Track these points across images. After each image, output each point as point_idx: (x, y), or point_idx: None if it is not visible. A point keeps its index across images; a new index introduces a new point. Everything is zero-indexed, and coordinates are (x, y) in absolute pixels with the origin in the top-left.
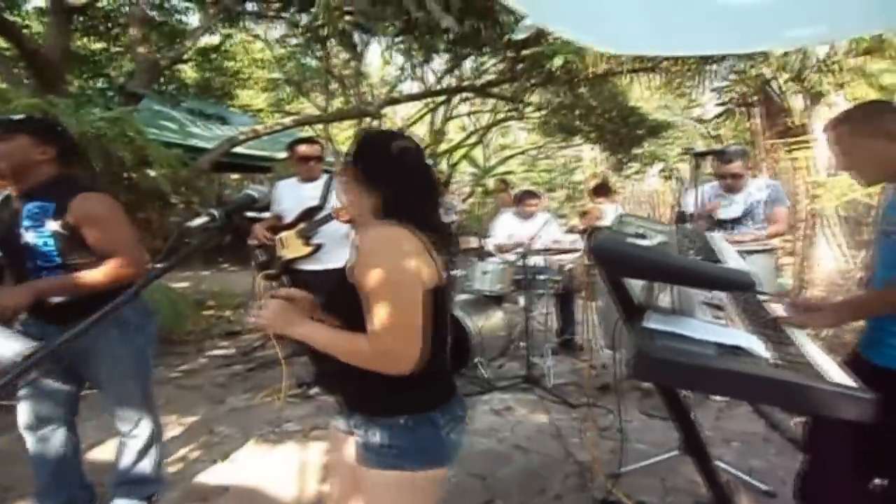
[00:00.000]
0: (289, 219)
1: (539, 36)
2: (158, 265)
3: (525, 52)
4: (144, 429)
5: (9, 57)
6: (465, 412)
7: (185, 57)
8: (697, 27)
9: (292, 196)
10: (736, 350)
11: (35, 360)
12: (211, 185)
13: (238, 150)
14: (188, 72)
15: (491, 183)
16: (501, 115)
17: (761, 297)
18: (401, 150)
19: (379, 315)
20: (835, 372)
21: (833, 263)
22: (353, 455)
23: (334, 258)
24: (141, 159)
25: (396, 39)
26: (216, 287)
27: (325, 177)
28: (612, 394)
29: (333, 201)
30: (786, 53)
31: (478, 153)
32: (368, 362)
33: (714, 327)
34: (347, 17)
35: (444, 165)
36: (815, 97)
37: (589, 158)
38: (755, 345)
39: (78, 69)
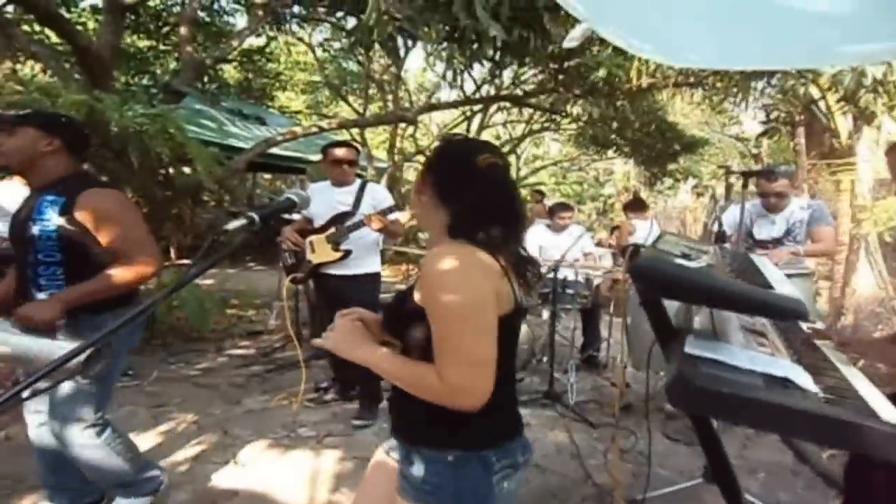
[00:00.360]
0: (319, 223)
1: (583, 47)
2: (192, 266)
3: (569, 64)
4: (88, 437)
5: (61, 52)
6: (529, 457)
7: (230, 57)
8: (759, 40)
9: (323, 200)
10: (784, 382)
11: (74, 355)
12: (243, 185)
13: (273, 150)
14: (231, 72)
15: (524, 194)
16: (537, 126)
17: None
18: (486, 164)
19: (450, 345)
20: (888, 410)
21: (872, 290)
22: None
23: (363, 265)
24: (178, 156)
25: (440, 46)
26: (241, 286)
27: (358, 182)
28: (634, 414)
29: (365, 207)
30: (840, 71)
31: (511, 163)
32: (438, 397)
33: (759, 356)
34: (395, 22)
35: None
36: (865, 118)
37: (621, 172)
38: (803, 377)
39: (125, 66)
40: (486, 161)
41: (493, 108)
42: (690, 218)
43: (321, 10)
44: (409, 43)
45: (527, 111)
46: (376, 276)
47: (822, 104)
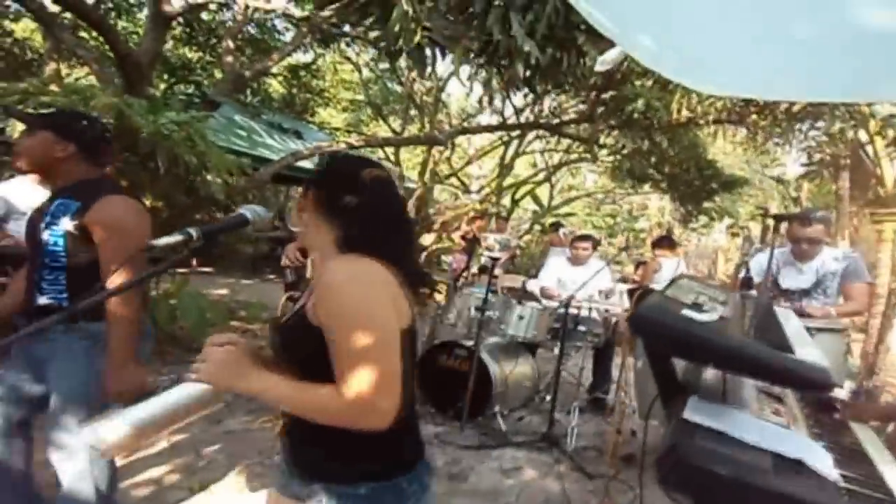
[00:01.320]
0: None
1: (624, 78)
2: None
3: (608, 94)
4: (82, 451)
5: (107, 57)
6: (432, 478)
7: (275, 72)
8: (794, 69)
9: None
10: (797, 465)
11: None
12: (277, 197)
13: (307, 165)
14: (276, 86)
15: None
16: (574, 156)
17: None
18: (372, 179)
19: (351, 360)
20: None
21: None
22: None
23: None
24: (203, 164)
25: (477, 67)
26: (253, 298)
27: None
28: (636, 466)
29: None
30: (892, 115)
31: (544, 192)
32: (339, 417)
33: (772, 428)
34: (424, 32)
35: (506, 200)
36: None
37: (656, 207)
38: (821, 460)
39: (170, 74)
40: (371, 175)
41: (531, 136)
42: (723, 258)
43: (352, 21)
44: (440, 55)
45: (565, 141)
46: None
47: (869, 149)
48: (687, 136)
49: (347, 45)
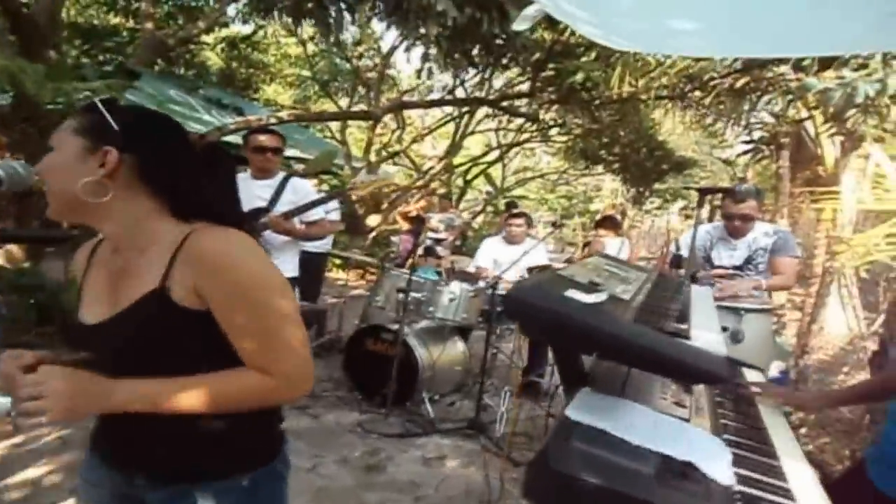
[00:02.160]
0: None
1: (566, 53)
2: None
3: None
4: None
5: None
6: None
7: (212, 43)
8: (716, 24)
9: (241, 193)
10: (686, 469)
11: None
12: None
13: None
14: (214, 59)
15: (502, 204)
16: (526, 136)
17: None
18: (186, 134)
19: (271, 334)
20: None
21: (843, 328)
22: None
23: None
24: None
25: (389, 25)
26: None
27: (280, 175)
28: None
29: (284, 204)
30: (829, 88)
31: (498, 173)
32: (270, 396)
33: (668, 424)
34: None
35: (458, 181)
36: (852, 143)
37: (609, 189)
38: (717, 461)
39: (83, 41)
40: (183, 130)
41: (481, 114)
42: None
43: None
44: (348, 16)
45: (518, 120)
46: (290, 281)
47: (811, 129)
48: (637, 117)
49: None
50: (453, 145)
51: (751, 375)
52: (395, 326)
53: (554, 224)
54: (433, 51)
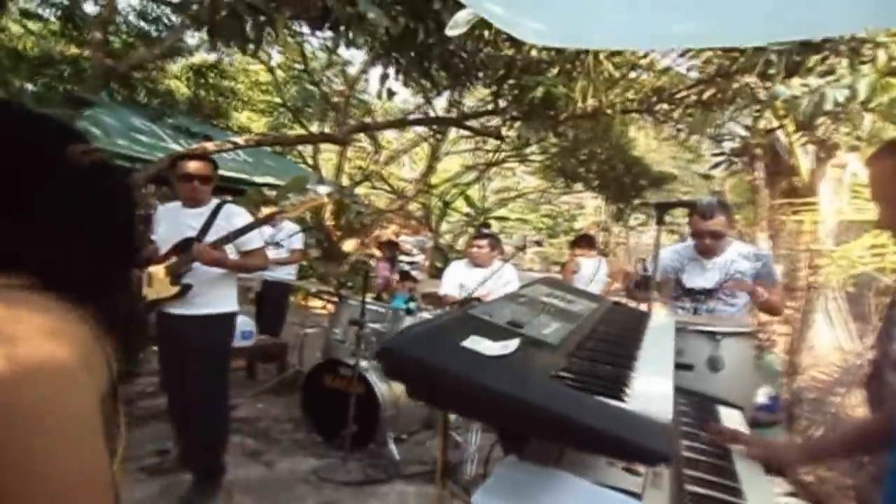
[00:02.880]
0: (164, 250)
1: (527, 68)
2: None
3: (509, 84)
4: None
5: None
6: None
7: (177, 73)
8: (623, 17)
9: (171, 223)
10: None
11: None
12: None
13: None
14: (182, 88)
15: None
16: (502, 156)
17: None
18: (82, 159)
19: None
20: None
21: (834, 344)
22: None
23: (209, 303)
24: None
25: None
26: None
27: (213, 203)
28: None
29: (215, 233)
30: (796, 96)
31: (478, 194)
32: None
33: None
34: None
35: (434, 202)
36: (826, 154)
37: (592, 206)
38: None
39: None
40: (80, 153)
41: (453, 134)
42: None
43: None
44: (270, 28)
45: (494, 141)
46: (227, 317)
47: (784, 139)
48: (609, 133)
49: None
50: (429, 167)
51: (728, 416)
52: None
53: (519, 248)
54: (391, 71)
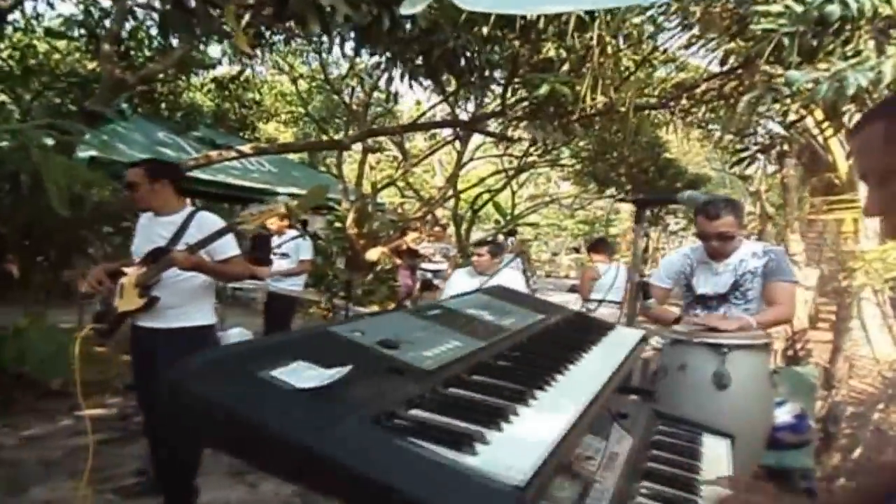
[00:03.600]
0: (137, 260)
1: (536, 66)
2: None
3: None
4: None
5: None
6: None
7: (198, 85)
8: None
9: (143, 232)
10: None
11: None
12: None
13: (235, 181)
14: (205, 100)
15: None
16: (533, 160)
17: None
18: None
19: None
20: None
21: (874, 352)
22: None
23: (182, 316)
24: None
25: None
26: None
27: (187, 210)
28: None
29: (187, 241)
30: (816, 81)
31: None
32: None
33: None
34: None
35: (463, 208)
36: None
37: (628, 211)
38: None
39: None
40: None
41: (477, 141)
42: None
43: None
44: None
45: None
46: (202, 330)
47: (820, 135)
48: (642, 135)
49: (274, 52)
50: (453, 174)
51: (712, 447)
52: None
53: (518, 255)
54: (396, 73)
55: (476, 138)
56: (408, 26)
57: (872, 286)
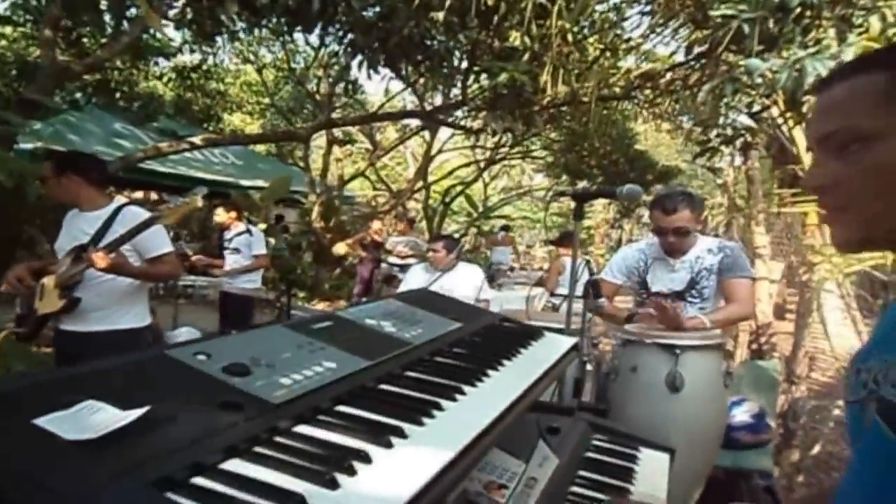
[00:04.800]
0: (59, 259)
1: (498, 55)
2: None
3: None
4: None
5: None
6: None
7: (158, 74)
8: None
9: (66, 229)
10: None
11: None
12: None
13: (202, 175)
14: (167, 91)
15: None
16: (504, 152)
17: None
18: None
19: None
20: None
21: (835, 346)
22: None
23: (107, 318)
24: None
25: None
26: None
27: (113, 205)
28: None
29: (111, 237)
30: (774, 70)
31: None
32: None
33: None
34: None
35: (434, 201)
36: None
37: (602, 203)
38: None
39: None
40: None
41: (445, 133)
42: None
43: None
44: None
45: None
46: (132, 333)
47: (785, 127)
48: (613, 128)
49: (235, 40)
50: (422, 166)
51: (650, 460)
52: None
53: (471, 251)
54: (355, 63)
55: (447, 129)
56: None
57: (836, 280)
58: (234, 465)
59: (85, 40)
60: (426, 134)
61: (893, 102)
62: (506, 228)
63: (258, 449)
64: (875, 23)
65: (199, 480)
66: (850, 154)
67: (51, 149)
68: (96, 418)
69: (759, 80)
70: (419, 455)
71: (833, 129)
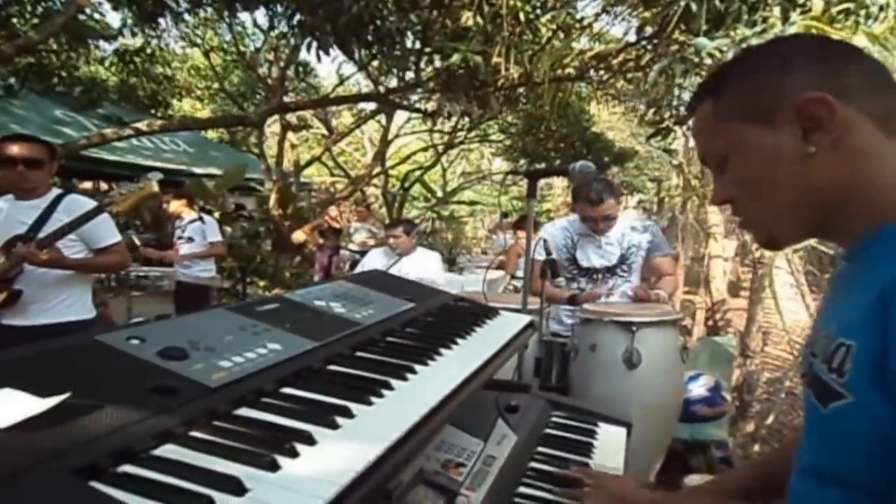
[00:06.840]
0: None
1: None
2: None
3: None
4: None
5: None
6: None
7: (98, 57)
8: None
9: (4, 218)
10: None
11: None
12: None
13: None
14: (107, 74)
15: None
16: (462, 135)
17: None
18: None
19: None
20: None
21: (789, 321)
22: None
23: (50, 310)
24: None
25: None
26: None
27: (53, 193)
28: None
29: (52, 227)
30: (721, 49)
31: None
32: None
33: None
34: None
35: (394, 186)
36: None
37: (561, 186)
38: None
39: None
40: None
41: (401, 117)
42: None
43: None
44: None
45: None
46: (74, 327)
47: None
48: (570, 109)
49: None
50: (379, 150)
51: (607, 435)
52: None
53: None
54: (304, 45)
55: (403, 113)
56: None
57: (786, 255)
58: (168, 451)
59: (15, 20)
60: (382, 118)
61: (722, 122)
62: (506, 215)
63: (194, 433)
64: (818, 2)
65: (127, 468)
66: (724, 172)
67: None
68: (9, 407)
69: (708, 60)
70: (366, 435)
71: (702, 153)
